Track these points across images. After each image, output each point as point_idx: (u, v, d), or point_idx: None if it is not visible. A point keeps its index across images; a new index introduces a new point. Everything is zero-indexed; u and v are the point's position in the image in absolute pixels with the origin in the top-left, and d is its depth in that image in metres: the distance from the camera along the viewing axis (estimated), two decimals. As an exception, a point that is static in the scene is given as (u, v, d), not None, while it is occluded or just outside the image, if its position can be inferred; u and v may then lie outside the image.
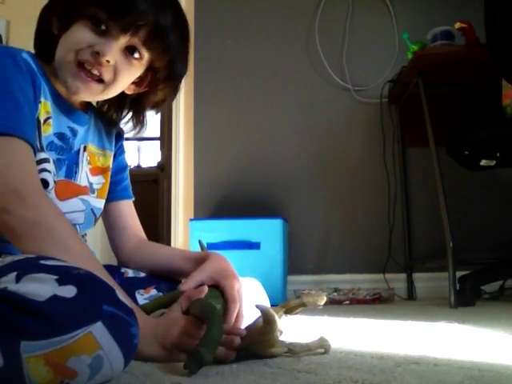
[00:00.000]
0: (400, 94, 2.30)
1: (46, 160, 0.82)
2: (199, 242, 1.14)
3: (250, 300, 0.89)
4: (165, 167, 3.56)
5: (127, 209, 1.06)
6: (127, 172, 1.09)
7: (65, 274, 0.53)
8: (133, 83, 0.89)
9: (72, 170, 0.90)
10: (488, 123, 1.80)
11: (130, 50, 0.82)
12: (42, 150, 0.82)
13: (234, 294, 0.83)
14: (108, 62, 0.79)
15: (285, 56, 2.53)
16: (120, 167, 1.06)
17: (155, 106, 0.96)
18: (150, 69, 0.87)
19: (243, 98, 2.52)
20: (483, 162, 1.83)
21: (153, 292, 0.95)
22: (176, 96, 0.96)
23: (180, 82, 0.93)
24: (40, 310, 0.47)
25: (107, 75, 0.81)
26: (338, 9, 2.54)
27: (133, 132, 0.99)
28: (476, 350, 0.81)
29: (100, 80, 0.81)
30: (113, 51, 0.79)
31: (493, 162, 1.83)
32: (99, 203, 0.97)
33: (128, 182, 1.08)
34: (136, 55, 0.83)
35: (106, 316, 0.50)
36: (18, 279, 0.52)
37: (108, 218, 1.04)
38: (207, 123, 2.51)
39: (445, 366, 0.65)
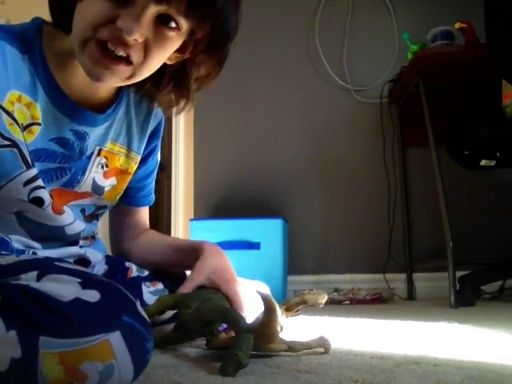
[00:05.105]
0: (400, 94, 2.30)
1: (38, 176, 0.73)
2: None
3: (254, 302, 0.88)
4: (165, 167, 3.55)
5: (143, 214, 1.01)
6: (154, 174, 1.00)
7: (88, 279, 0.53)
8: (175, 51, 0.72)
9: (76, 178, 0.80)
10: (488, 123, 1.80)
11: (162, 19, 0.65)
12: (32, 165, 0.72)
13: (240, 301, 0.82)
14: (136, 40, 0.63)
15: (285, 56, 2.53)
16: (146, 173, 0.96)
17: (199, 82, 0.81)
18: (192, 33, 0.70)
19: (243, 97, 2.52)
20: (483, 162, 1.83)
21: (159, 286, 0.94)
22: (222, 67, 0.81)
23: (227, 49, 0.77)
24: (62, 310, 0.47)
25: (136, 56, 0.65)
26: (337, 9, 2.54)
27: (175, 109, 0.84)
28: (476, 350, 0.81)
29: (128, 61, 0.65)
30: (141, 26, 0.62)
31: (493, 162, 1.83)
32: (100, 201, 0.88)
33: (151, 186, 1.01)
34: (172, 24, 0.65)
35: (124, 326, 0.50)
36: (38, 278, 0.52)
37: (119, 218, 1.00)
38: (207, 123, 2.51)
39: (445, 366, 0.65)
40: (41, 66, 0.72)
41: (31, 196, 0.73)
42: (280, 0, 2.58)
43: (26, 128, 0.72)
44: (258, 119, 2.50)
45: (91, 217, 0.89)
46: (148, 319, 0.55)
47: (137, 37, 0.62)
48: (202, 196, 2.45)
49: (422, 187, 2.36)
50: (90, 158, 0.81)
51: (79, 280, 0.52)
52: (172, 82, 0.79)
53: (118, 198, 0.91)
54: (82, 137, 0.78)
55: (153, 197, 1.03)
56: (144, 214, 1.03)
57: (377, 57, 2.50)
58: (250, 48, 2.54)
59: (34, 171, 0.72)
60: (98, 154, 0.82)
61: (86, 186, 0.83)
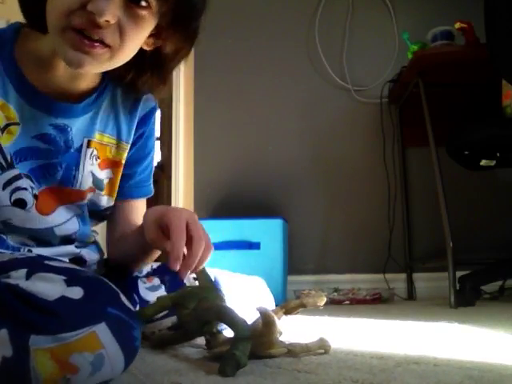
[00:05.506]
0: (400, 94, 2.30)
1: (18, 177, 0.73)
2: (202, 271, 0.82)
3: (252, 299, 0.88)
4: (165, 167, 3.56)
5: (134, 210, 0.92)
6: (145, 163, 0.93)
7: (73, 276, 0.55)
8: (151, 36, 0.74)
9: (70, 173, 0.80)
10: (488, 123, 1.80)
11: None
12: (9, 166, 0.73)
13: (177, 237, 0.71)
14: (108, 21, 0.63)
15: (285, 56, 2.53)
16: (135, 159, 0.90)
17: (174, 60, 0.80)
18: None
19: (243, 98, 2.52)
20: (483, 162, 1.83)
21: (155, 282, 0.93)
22: (192, 45, 0.79)
23: (195, 25, 0.75)
24: (49, 308, 0.49)
25: (111, 38, 0.65)
26: (338, 9, 2.54)
27: (153, 94, 0.85)
28: (476, 350, 0.81)
29: (104, 44, 0.66)
30: (111, 6, 0.63)
31: (493, 162, 1.83)
32: (105, 201, 0.87)
33: (144, 177, 0.94)
34: (143, 3, 0.66)
35: (109, 318, 0.52)
36: (28, 276, 0.53)
37: (109, 218, 0.94)
38: (207, 123, 2.50)
39: (445, 366, 0.65)
40: (10, 66, 0.72)
41: (13, 198, 0.73)
42: (280, 0, 2.58)
43: (3, 130, 0.72)
44: (258, 119, 2.50)
45: (95, 215, 0.88)
46: (133, 309, 0.57)
47: (108, 18, 0.62)
48: (202, 196, 2.45)
49: (422, 187, 2.36)
50: (80, 151, 0.81)
51: (64, 278, 0.53)
52: (151, 68, 0.79)
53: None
54: (63, 129, 0.78)
55: (148, 190, 0.96)
56: (135, 209, 0.93)
57: (377, 57, 2.50)
58: (250, 48, 2.54)
59: (13, 172, 0.73)
60: (88, 146, 0.82)
61: (86, 182, 0.83)
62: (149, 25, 0.69)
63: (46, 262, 0.59)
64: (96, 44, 0.65)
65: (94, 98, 0.81)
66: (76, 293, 0.52)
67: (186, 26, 0.75)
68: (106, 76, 0.82)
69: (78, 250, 0.86)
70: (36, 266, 0.56)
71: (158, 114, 0.95)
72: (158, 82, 0.82)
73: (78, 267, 0.61)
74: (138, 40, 0.70)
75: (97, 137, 0.83)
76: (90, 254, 0.89)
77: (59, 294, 0.51)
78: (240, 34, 2.55)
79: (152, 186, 0.98)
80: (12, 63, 0.73)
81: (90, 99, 0.80)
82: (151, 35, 0.73)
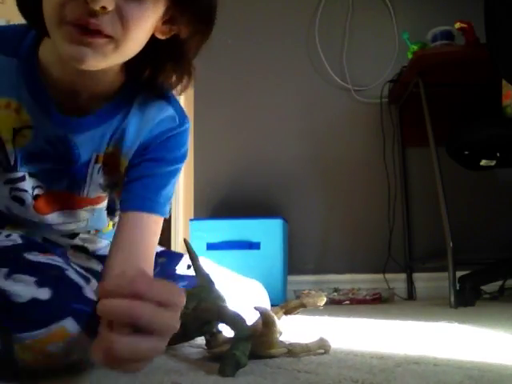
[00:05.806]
0: (400, 94, 2.30)
1: (21, 179, 0.74)
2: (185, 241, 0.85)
3: (250, 302, 0.88)
4: (165, 167, 3.55)
5: (128, 234, 0.76)
6: (147, 172, 0.78)
7: (44, 276, 0.58)
8: (165, 22, 0.66)
9: (78, 184, 0.79)
10: (488, 123, 1.80)
11: None
12: (13, 169, 0.73)
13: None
14: (105, 8, 0.56)
15: (285, 56, 2.53)
16: (131, 163, 0.78)
17: (190, 47, 0.71)
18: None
19: (243, 97, 2.52)
20: (483, 162, 1.83)
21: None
22: (210, 24, 0.68)
23: (204, 8, 0.66)
24: (22, 312, 0.55)
25: (111, 27, 0.58)
26: (338, 9, 2.54)
27: (179, 88, 0.76)
28: (476, 350, 0.81)
29: (106, 35, 0.59)
30: None
31: (493, 162, 1.83)
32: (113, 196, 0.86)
33: (141, 185, 0.78)
34: None
35: (74, 312, 0.57)
36: (7, 276, 0.57)
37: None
38: (207, 123, 2.51)
39: (445, 366, 0.65)
40: (27, 68, 0.70)
41: (12, 195, 0.77)
42: (280, 0, 2.58)
43: (17, 132, 0.72)
44: (257, 119, 2.50)
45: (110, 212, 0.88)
46: (95, 299, 0.60)
47: (104, 3, 0.56)
48: (202, 196, 2.45)
49: (422, 187, 2.36)
50: (87, 165, 0.77)
51: (36, 279, 0.57)
52: (169, 60, 0.72)
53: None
54: (66, 142, 0.74)
55: (151, 205, 0.79)
56: (134, 233, 0.76)
57: (377, 57, 2.50)
58: (250, 48, 2.54)
59: (16, 174, 0.75)
60: (97, 162, 0.77)
61: (96, 191, 0.81)
62: (154, 9, 0.62)
63: (26, 254, 0.60)
64: (94, 36, 0.58)
65: (109, 111, 0.75)
66: (45, 293, 0.56)
67: (197, 4, 0.66)
68: (127, 84, 0.75)
69: (80, 243, 0.89)
70: (14, 263, 0.59)
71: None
72: (180, 76, 0.74)
73: (50, 262, 0.60)
74: (144, 27, 0.62)
75: (105, 150, 0.77)
76: (96, 243, 0.91)
77: (30, 295, 0.55)
78: (240, 34, 2.55)
79: (164, 207, 0.83)
80: (30, 65, 0.70)
81: (103, 111, 0.74)
82: (165, 21, 0.66)
